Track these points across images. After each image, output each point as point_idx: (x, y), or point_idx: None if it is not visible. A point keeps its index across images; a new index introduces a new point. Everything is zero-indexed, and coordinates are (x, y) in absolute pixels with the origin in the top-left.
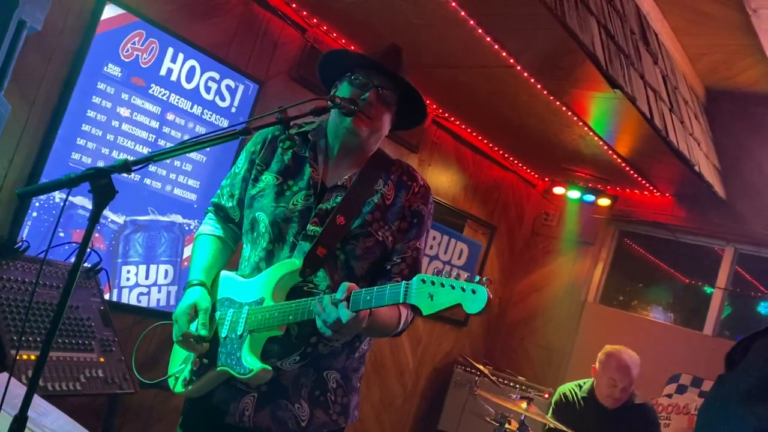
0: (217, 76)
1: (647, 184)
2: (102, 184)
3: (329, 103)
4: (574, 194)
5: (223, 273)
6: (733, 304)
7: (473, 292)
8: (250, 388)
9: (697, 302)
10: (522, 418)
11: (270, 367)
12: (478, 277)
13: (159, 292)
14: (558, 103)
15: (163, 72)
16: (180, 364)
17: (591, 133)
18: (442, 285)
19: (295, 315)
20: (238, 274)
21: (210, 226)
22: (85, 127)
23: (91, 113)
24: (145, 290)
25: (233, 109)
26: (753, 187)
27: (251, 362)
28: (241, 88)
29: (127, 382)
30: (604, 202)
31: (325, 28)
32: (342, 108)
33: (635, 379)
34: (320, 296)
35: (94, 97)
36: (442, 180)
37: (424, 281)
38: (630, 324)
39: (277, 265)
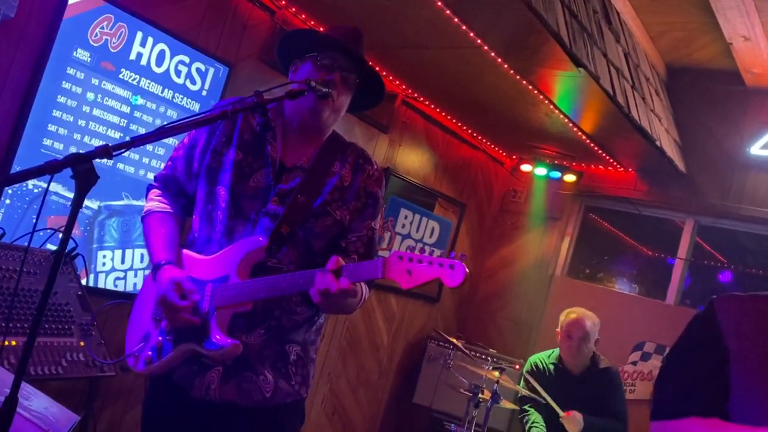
0: (187, 59)
1: (611, 160)
2: (84, 170)
3: (305, 86)
4: (540, 171)
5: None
6: (693, 275)
7: (451, 267)
8: (215, 362)
9: (659, 273)
10: (494, 387)
11: (239, 343)
12: (453, 253)
13: (135, 276)
14: (524, 82)
15: (132, 56)
16: (139, 342)
17: (556, 111)
18: (420, 261)
19: (267, 291)
20: (193, 251)
21: (158, 203)
22: (56, 113)
23: (61, 99)
24: (122, 275)
25: (204, 92)
26: (711, 161)
27: (221, 339)
28: (211, 71)
29: (107, 365)
30: (570, 178)
31: (293, 9)
32: (316, 92)
33: (591, 333)
34: (320, 268)
35: (63, 82)
36: (412, 159)
37: (401, 257)
38: (596, 296)
39: (240, 243)
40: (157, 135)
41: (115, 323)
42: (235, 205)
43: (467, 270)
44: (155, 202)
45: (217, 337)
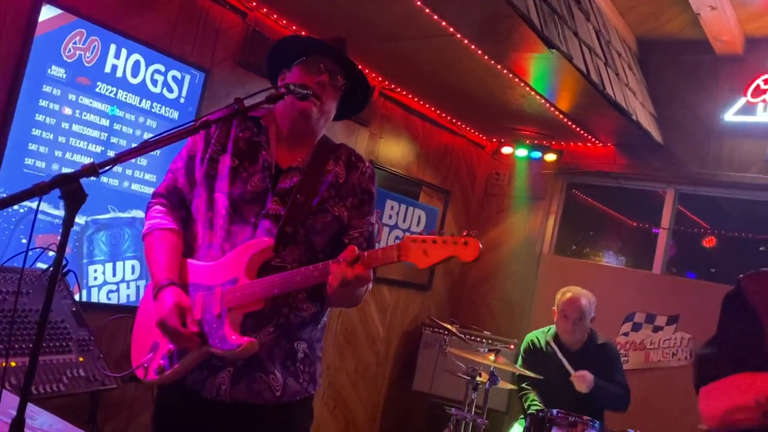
0: (162, 68)
1: (589, 137)
2: (72, 189)
3: (284, 90)
4: (521, 152)
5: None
6: (678, 243)
7: (465, 243)
8: (225, 363)
9: (644, 244)
10: (491, 369)
11: (255, 340)
12: (466, 232)
13: (128, 288)
14: (499, 66)
15: (107, 69)
16: (147, 353)
17: (533, 93)
18: (434, 241)
19: (281, 287)
20: (197, 259)
21: (160, 220)
22: (36, 132)
23: (39, 117)
24: (114, 287)
25: (182, 100)
26: (687, 130)
27: (237, 338)
28: (187, 78)
29: (109, 378)
30: (551, 157)
31: (264, 10)
32: (296, 94)
33: (588, 312)
34: (335, 259)
35: (41, 100)
36: (394, 151)
37: (415, 241)
38: (584, 271)
39: (246, 245)
40: (141, 150)
41: (111, 336)
42: (234, 210)
43: (481, 245)
44: (156, 220)
45: (233, 336)
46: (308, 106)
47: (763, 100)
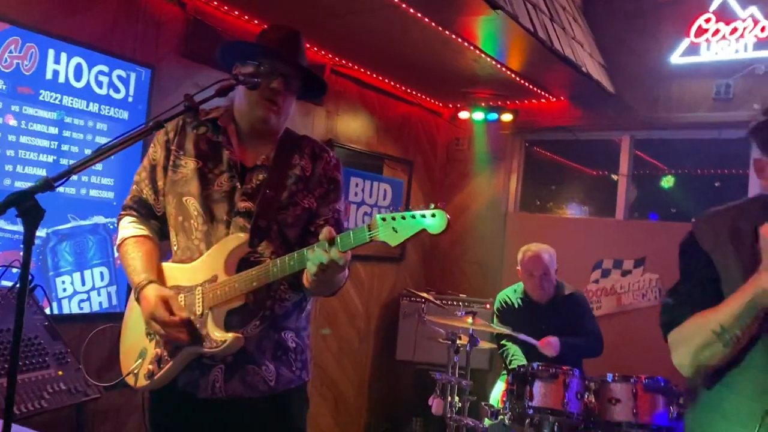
0: (106, 68)
1: (543, 93)
2: (29, 207)
3: (234, 81)
4: (478, 116)
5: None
6: (638, 187)
7: (433, 216)
8: (215, 361)
9: (606, 192)
10: (470, 331)
11: (240, 335)
12: (432, 205)
13: (99, 295)
14: (447, 32)
15: (49, 75)
16: (136, 360)
17: (483, 56)
18: (404, 218)
19: (259, 280)
20: (174, 262)
21: (132, 229)
22: None
23: None
24: (85, 296)
25: (130, 99)
26: (636, 76)
27: (221, 334)
28: (133, 76)
29: (91, 388)
30: (507, 117)
31: None
32: (246, 84)
33: (550, 266)
34: (313, 245)
35: None
36: (352, 127)
37: (384, 219)
38: (550, 225)
39: (222, 242)
40: (95, 158)
41: (88, 345)
42: (206, 211)
43: (448, 216)
44: (129, 229)
45: (216, 334)
46: (267, 114)
47: (706, 40)
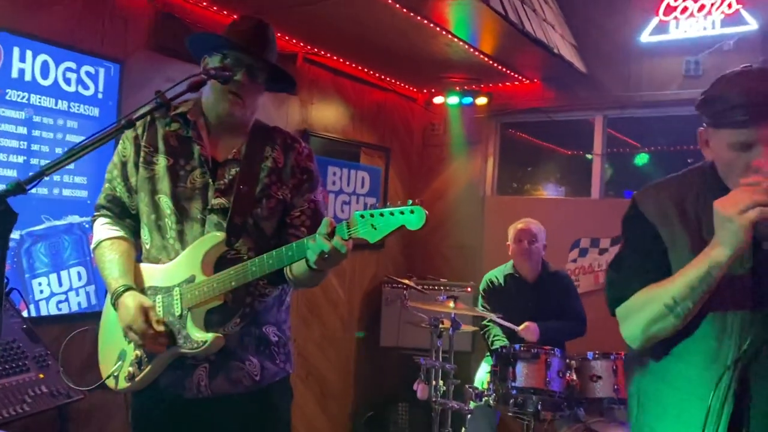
0: (73, 65)
1: (516, 75)
2: (0, 211)
3: (204, 76)
4: (453, 100)
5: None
6: (613, 165)
7: (412, 212)
8: (198, 360)
9: (581, 171)
10: (452, 316)
11: (220, 335)
12: (410, 201)
13: (77, 295)
14: (419, 18)
15: (15, 74)
16: (116, 362)
17: (455, 40)
18: (382, 215)
19: (237, 280)
20: (149, 263)
21: (106, 230)
22: None
23: None
24: (63, 297)
25: (100, 95)
26: (607, 56)
27: (201, 335)
28: (102, 71)
29: (73, 389)
30: (482, 101)
31: None
32: (217, 78)
33: (539, 236)
34: (311, 236)
35: None
36: (327, 115)
37: (363, 216)
38: (527, 206)
39: (198, 242)
40: (67, 159)
41: (68, 346)
42: (179, 209)
43: (426, 212)
44: (103, 231)
45: (197, 335)
46: (233, 108)
47: (675, 18)
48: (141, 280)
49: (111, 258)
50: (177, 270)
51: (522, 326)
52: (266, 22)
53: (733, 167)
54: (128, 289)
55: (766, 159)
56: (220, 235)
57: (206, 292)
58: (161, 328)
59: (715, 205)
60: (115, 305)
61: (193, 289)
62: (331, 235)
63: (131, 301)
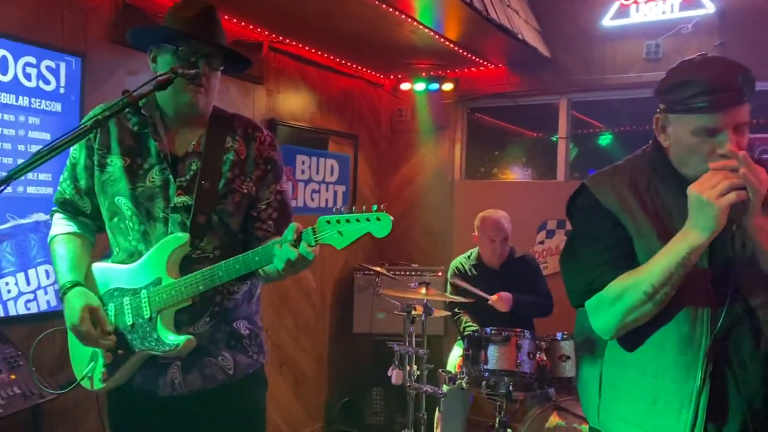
0: (33, 60)
1: (481, 61)
2: None
3: (171, 75)
4: (419, 86)
5: (99, 265)
6: (577, 146)
7: (378, 219)
8: (171, 359)
9: (547, 154)
10: (424, 302)
11: (192, 337)
12: (375, 206)
13: (46, 294)
14: (384, 6)
15: None
16: (88, 363)
17: (421, 27)
18: (348, 221)
19: (204, 284)
20: (116, 262)
21: (61, 226)
22: None
23: None
24: (31, 296)
25: (62, 90)
26: (571, 40)
27: (174, 338)
28: (63, 65)
29: (46, 388)
30: (448, 86)
31: None
32: (185, 76)
33: (509, 231)
34: (276, 240)
35: None
36: (294, 104)
37: (329, 222)
38: (495, 190)
39: (162, 243)
40: (34, 162)
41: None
42: (140, 209)
43: (392, 218)
44: (59, 226)
45: (170, 337)
46: (195, 97)
47: (635, 2)
48: (92, 277)
49: (61, 253)
50: (142, 272)
51: (495, 296)
52: (210, 2)
53: (696, 153)
54: (75, 285)
55: (734, 144)
56: (183, 237)
57: (174, 296)
58: (109, 327)
59: (690, 189)
60: (62, 300)
61: (161, 293)
62: (298, 240)
63: (77, 300)
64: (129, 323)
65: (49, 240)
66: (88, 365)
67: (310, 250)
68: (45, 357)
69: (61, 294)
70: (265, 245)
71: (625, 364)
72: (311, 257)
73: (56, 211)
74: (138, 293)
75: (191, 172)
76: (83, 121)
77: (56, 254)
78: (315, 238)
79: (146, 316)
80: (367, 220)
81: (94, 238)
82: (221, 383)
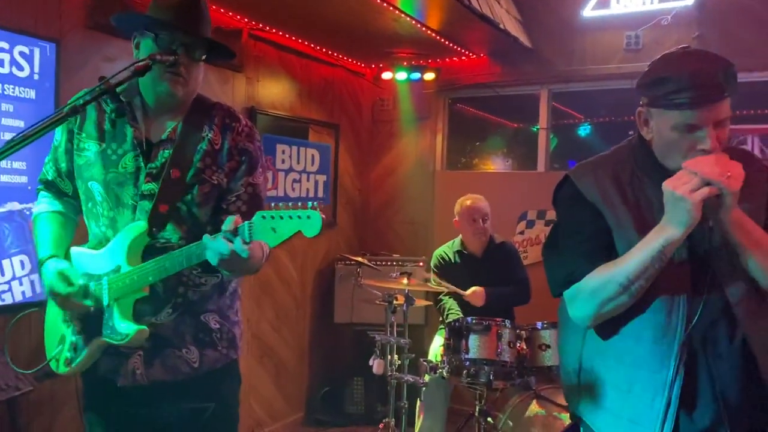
0: (6, 45)
1: (463, 50)
2: None
3: (150, 61)
4: (401, 75)
5: (75, 249)
6: (558, 136)
7: (308, 218)
8: (132, 348)
9: (527, 145)
10: (406, 292)
11: (145, 327)
12: (310, 203)
13: (21, 284)
14: None
15: None
16: (57, 345)
17: (402, 15)
18: (281, 217)
19: (155, 275)
20: (89, 248)
21: (45, 204)
22: None
23: None
24: (6, 287)
25: (36, 77)
26: (552, 31)
27: (125, 327)
28: (37, 51)
29: (22, 381)
30: (429, 76)
31: None
32: (164, 62)
33: (488, 212)
34: (214, 235)
35: None
36: (274, 92)
37: (264, 217)
38: (476, 181)
39: (124, 231)
40: (7, 150)
41: (14, 337)
42: (110, 195)
43: (324, 217)
44: (42, 205)
45: (122, 325)
46: (174, 87)
47: None
48: (79, 265)
49: (42, 231)
50: (105, 258)
51: (469, 291)
52: None
53: (676, 148)
54: (51, 257)
55: (713, 141)
56: (142, 225)
57: (128, 285)
58: (80, 281)
59: (665, 185)
60: (40, 274)
61: (119, 280)
62: (234, 234)
63: (52, 266)
64: (91, 309)
65: (33, 217)
66: (56, 348)
67: (244, 248)
68: (21, 348)
69: (39, 266)
70: (222, 231)
71: (604, 353)
72: (245, 255)
73: (41, 190)
74: (100, 279)
75: (162, 160)
76: (67, 104)
77: (38, 232)
78: (250, 233)
79: (105, 304)
80: (299, 217)
81: (77, 217)
82: (185, 376)
